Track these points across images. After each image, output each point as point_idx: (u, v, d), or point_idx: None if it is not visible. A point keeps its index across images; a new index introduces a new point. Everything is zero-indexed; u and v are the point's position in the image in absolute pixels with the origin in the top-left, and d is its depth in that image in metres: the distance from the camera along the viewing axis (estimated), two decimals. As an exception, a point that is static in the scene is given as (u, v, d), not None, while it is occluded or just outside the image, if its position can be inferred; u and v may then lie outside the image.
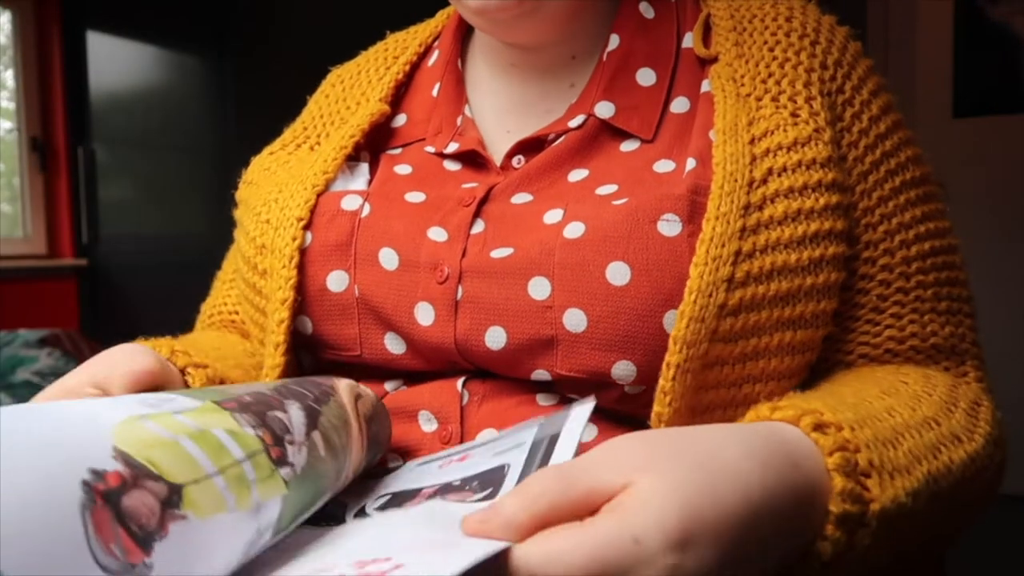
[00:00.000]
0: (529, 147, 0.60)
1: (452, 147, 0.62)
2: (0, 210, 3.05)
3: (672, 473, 0.32)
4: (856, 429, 0.40)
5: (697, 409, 0.49)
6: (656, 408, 0.49)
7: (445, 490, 0.44)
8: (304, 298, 0.58)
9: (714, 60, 0.59)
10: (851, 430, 0.40)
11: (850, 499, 0.37)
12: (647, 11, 0.62)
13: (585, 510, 0.31)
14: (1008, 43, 2.73)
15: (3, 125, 3.00)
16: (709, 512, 0.31)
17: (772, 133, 0.53)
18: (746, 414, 0.43)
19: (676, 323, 0.48)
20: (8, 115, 3.01)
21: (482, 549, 0.29)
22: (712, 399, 0.50)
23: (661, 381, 0.48)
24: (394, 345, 0.57)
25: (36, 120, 3.00)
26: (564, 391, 0.53)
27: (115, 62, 2.94)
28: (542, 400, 0.53)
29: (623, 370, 0.50)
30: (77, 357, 2.23)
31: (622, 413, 0.52)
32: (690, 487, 0.31)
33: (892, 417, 0.44)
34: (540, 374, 0.52)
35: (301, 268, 0.58)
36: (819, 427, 0.39)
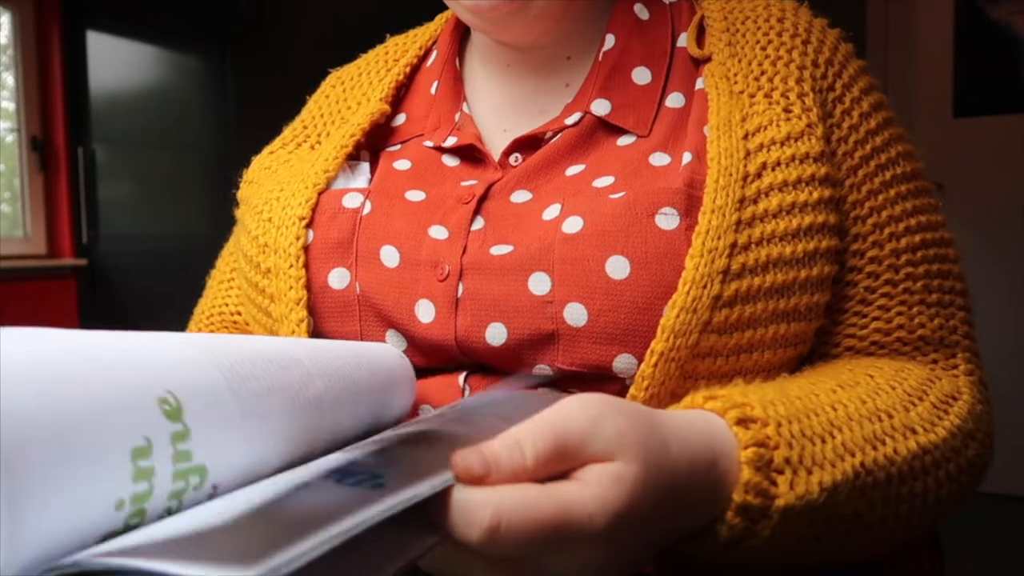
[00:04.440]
0: (526, 145, 0.60)
1: (450, 141, 0.63)
2: (0, 210, 3.05)
3: (636, 467, 0.35)
4: (782, 425, 0.41)
5: (680, 397, 0.49)
6: (632, 391, 0.49)
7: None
8: (306, 296, 0.58)
9: (708, 60, 0.60)
10: (776, 426, 0.41)
11: (753, 491, 0.39)
12: (642, 12, 0.63)
13: (570, 470, 0.35)
14: (1008, 43, 2.73)
15: (3, 125, 3.00)
16: (649, 506, 0.35)
17: (765, 128, 0.54)
18: (683, 400, 0.45)
19: (667, 312, 0.49)
20: (8, 115, 3.01)
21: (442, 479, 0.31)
22: (700, 388, 0.50)
23: (642, 366, 0.49)
24: (394, 342, 0.57)
25: (36, 120, 3.00)
26: (565, 386, 0.53)
27: (115, 62, 2.94)
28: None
29: (624, 363, 0.50)
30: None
31: None
32: (643, 484, 0.35)
33: (834, 411, 0.45)
34: (541, 369, 0.53)
35: (304, 266, 0.58)
36: (742, 421, 0.41)
